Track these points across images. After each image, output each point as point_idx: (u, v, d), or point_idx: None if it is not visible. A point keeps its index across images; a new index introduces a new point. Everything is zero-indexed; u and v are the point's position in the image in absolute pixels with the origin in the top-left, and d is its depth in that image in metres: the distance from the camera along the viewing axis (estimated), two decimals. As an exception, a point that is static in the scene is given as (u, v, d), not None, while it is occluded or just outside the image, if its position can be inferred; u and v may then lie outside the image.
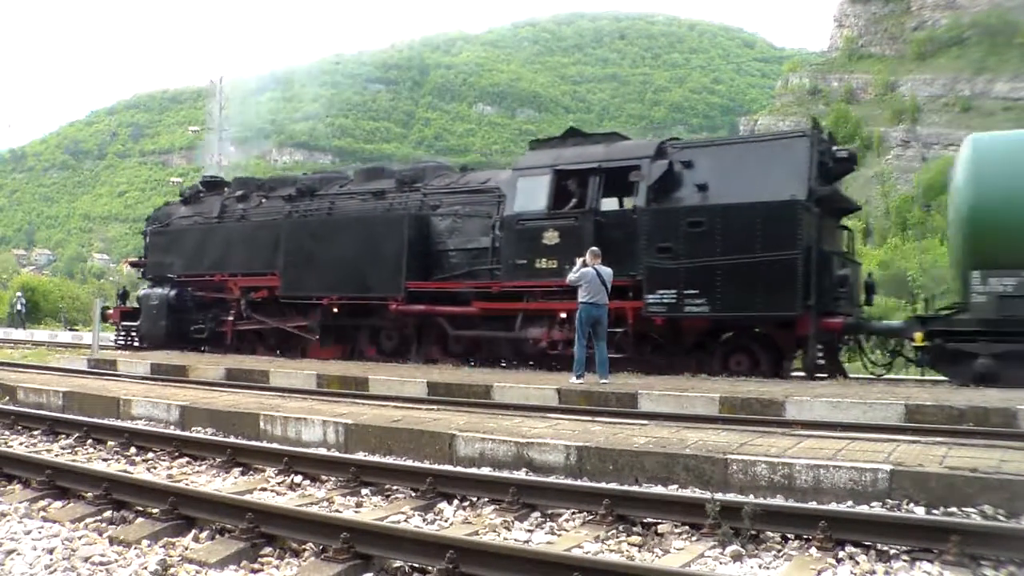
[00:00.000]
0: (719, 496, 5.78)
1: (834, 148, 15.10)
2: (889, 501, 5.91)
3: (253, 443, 8.43)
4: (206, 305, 21.29)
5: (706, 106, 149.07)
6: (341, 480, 7.00)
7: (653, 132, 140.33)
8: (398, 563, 4.81)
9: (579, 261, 13.35)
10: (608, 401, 11.62)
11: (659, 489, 6.41)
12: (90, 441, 9.07)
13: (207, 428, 9.70)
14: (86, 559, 4.94)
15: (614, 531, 5.56)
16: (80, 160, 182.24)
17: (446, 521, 5.96)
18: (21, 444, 9.09)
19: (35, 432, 9.67)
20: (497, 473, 6.96)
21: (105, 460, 8.16)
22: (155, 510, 5.83)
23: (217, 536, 5.43)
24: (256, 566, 4.98)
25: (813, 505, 5.76)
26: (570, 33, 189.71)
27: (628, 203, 15.93)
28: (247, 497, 6.10)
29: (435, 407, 10.67)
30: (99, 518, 5.92)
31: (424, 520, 5.97)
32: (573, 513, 5.95)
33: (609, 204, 16.04)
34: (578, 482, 6.62)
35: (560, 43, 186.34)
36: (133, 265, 25.62)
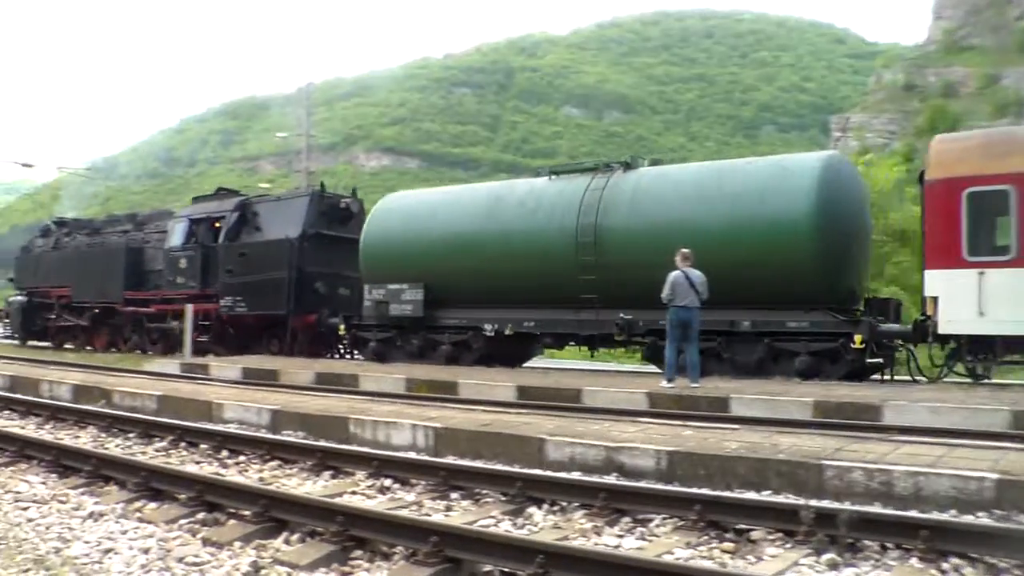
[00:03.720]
0: (814, 502, 5.64)
1: (343, 201, 22.86)
2: (996, 512, 5.68)
3: (343, 446, 8.50)
4: (44, 307, 29.62)
5: (796, 105, 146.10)
6: (431, 484, 7.02)
7: (742, 132, 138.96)
8: (487, 567, 4.80)
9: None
10: (699, 405, 11.48)
11: (751, 495, 6.29)
12: (183, 444, 9.25)
13: (298, 432, 9.83)
14: (180, 559, 5.06)
15: (706, 537, 5.47)
16: (171, 167, 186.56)
17: (536, 526, 5.94)
18: (117, 446, 9.33)
19: (130, 435, 9.91)
20: (587, 478, 6.91)
21: (198, 463, 8.33)
22: (247, 512, 5.93)
23: (308, 539, 5.50)
24: (346, 569, 5.02)
25: (914, 514, 5.55)
26: (656, 33, 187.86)
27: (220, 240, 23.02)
28: (337, 500, 6.16)
29: (524, 411, 10.66)
30: (192, 519, 6.04)
31: (514, 524, 5.96)
32: (664, 518, 5.87)
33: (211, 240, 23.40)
34: (669, 487, 6.52)
35: (646, 43, 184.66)
36: (10, 280, 33.73)
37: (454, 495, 6.79)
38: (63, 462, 7.87)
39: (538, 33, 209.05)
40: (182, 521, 6.01)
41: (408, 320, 18.87)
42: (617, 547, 5.34)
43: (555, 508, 6.32)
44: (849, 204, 15.01)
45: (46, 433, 10.16)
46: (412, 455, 8.11)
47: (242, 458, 8.43)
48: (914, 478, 6.00)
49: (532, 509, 6.29)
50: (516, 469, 7.25)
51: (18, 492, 6.93)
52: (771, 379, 14.17)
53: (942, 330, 13.23)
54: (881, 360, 14.85)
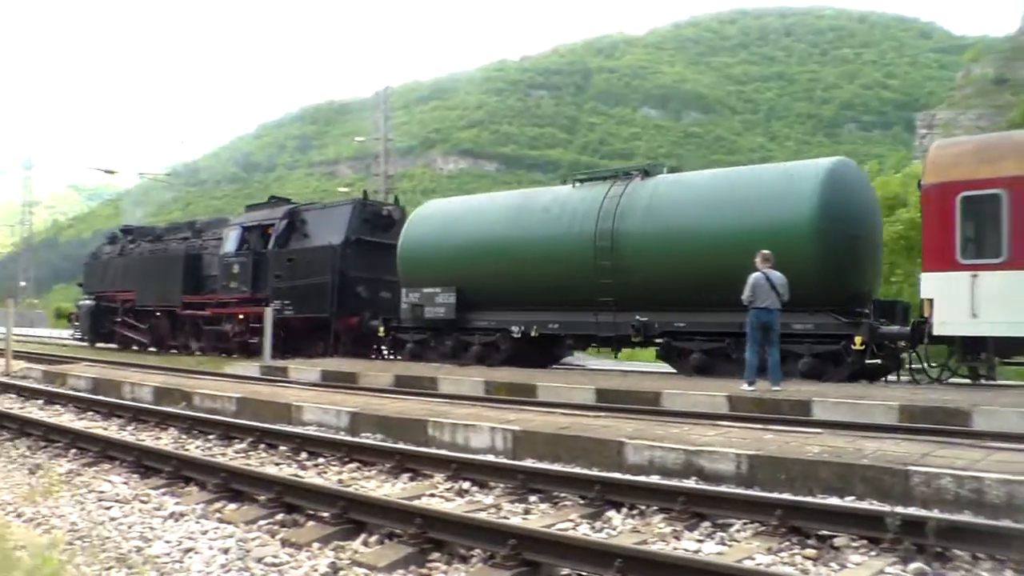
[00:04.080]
0: (900, 509, 5.51)
1: (385, 208, 24.11)
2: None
3: (422, 449, 8.53)
4: (111, 311, 31.26)
5: (879, 102, 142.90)
6: (509, 487, 7.02)
7: (823, 131, 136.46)
8: (565, 571, 4.79)
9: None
10: (780, 409, 11.31)
11: (834, 500, 6.16)
12: (263, 446, 9.37)
13: (376, 434, 9.89)
14: (259, 560, 5.14)
15: (787, 543, 5.39)
16: (250, 172, 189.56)
17: (614, 529, 5.91)
18: (197, 448, 9.50)
19: (210, 436, 10.08)
20: (666, 481, 6.85)
21: (277, 464, 8.44)
22: (325, 514, 6.01)
23: (386, 540, 5.55)
24: (424, 571, 5.06)
25: (1008, 523, 5.37)
26: (734, 32, 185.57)
27: (270, 246, 24.28)
28: (416, 502, 6.20)
29: (603, 414, 10.61)
30: (271, 520, 6.14)
31: (592, 528, 5.93)
32: (744, 523, 5.79)
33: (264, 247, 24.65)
34: (750, 492, 6.43)
35: (724, 42, 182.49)
36: (79, 285, 35.85)
37: (532, 498, 6.79)
38: (145, 463, 8.05)
39: (615, 33, 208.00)
40: (261, 522, 6.10)
41: (441, 322, 19.82)
42: (697, 552, 5.29)
43: (634, 512, 6.27)
44: (854, 208, 15.31)
45: (128, 434, 10.39)
46: (490, 458, 8.12)
47: (321, 460, 8.51)
48: (1007, 486, 5.81)
49: (611, 512, 6.26)
50: (595, 472, 7.21)
51: (101, 492, 7.10)
52: (856, 383, 13.92)
53: (937, 331, 13.47)
54: (879, 361, 15.07)
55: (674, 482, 6.81)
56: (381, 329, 21.25)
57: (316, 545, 5.47)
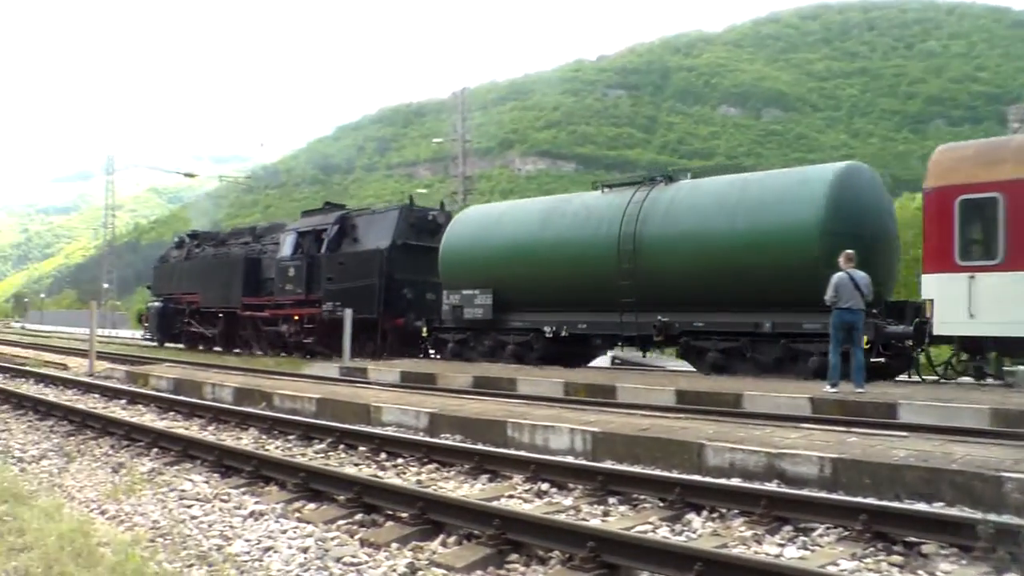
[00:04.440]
0: (993, 517, 5.34)
1: (431, 213, 24.78)
2: None
3: (500, 450, 8.54)
4: (178, 312, 32.91)
5: (968, 96, 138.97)
6: (588, 488, 7.00)
7: (909, 127, 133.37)
8: (644, 574, 4.76)
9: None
10: (864, 411, 11.09)
11: (922, 506, 6.00)
12: (342, 446, 9.45)
13: (455, 435, 9.93)
14: (338, 559, 5.19)
15: (872, 549, 5.26)
16: (329, 174, 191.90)
17: (694, 532, 5.85)
18: (277, 448, 9.63)
19: (290, 436, 10.21)
20: (747, 484, 6.75)
21: (356, 465, 8.51)
22: (404, 514, 6.05)
23: (464, 541, 5.57)
24: (502, 572, 5.06)
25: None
26: (815, 27, 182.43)
27: (322, 250, 25.46)
28: (494, 503, 6.21)
29: (683, 415, 10.53)
30: (350, 520, 6.19)
31: (672, 531, 5.88)
32: (828, 528, 5.68)
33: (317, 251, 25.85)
34: (833, 496, 6.30)
35: (805, 38, 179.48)
36: (147, 288, 38.63)
37: (611, 500, 6.76)
38: (225, 462, 8.18)
39: (693, 31, 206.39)
40: (340, 522, 6.16)
41: (479, 322, 20.79)
42: (778, 556, 5.20)
43: (714, 515, 6.20)
44: (864, 212, 15.75)
45: (209, 434, 10.57)
46: (569, 459, 8.09)
47: (400, 460, 8.57)
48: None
49: (691, 515, 6.20)
50: (674, 474, 7.14)
51: (183, 490, 7.24)
52: (944, 384, 13.62)
53: (936, 331, 13.93)
54: (883, 360, 15.35)
55: (755, 485, 6.71)
56: (425, 329, 22.24)
57: (394, 545, 5.51)
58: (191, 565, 5.06)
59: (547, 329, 19.41)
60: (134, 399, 14.14)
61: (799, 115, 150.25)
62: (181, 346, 32.82)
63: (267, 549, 5.43)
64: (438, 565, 5.10)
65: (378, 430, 10.11)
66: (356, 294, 23.32)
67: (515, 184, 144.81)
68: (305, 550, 5.38)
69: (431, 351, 23.08)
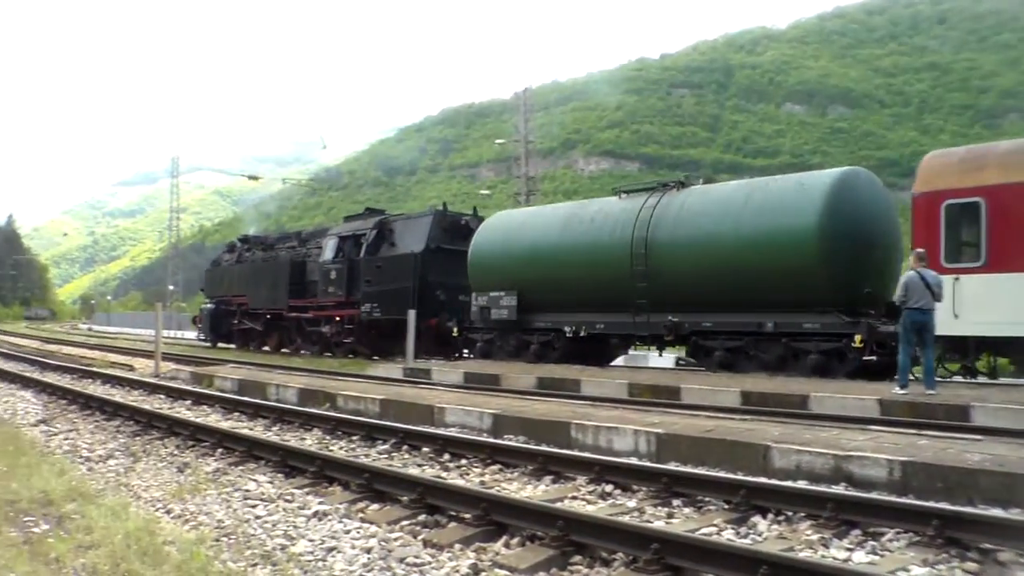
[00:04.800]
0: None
1: (463, 218, 25.71)
2: None
3: (564, 451, 8.51)
4: (229, 313, 34.45)
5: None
6: (652, 490, 6.96)
7: (981, 123, 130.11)
8: (709, 577, 4.70)
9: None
10: (935, 413, 10.87)
11: (997, 512, 5.81)
12: (405, 447, 9.47)
13: (519, 436, 9.92)
14: (401, 560, 5.21)
15: (945, 555, 5.14)
16: (392, 176, 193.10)
17: (760, 535, 5.77)
18: (341, 448, 9.69)
19: (354, 437, 10.26)
20: (814, 487, 6.64)
21: (420, 466, 8.53)
22: (467, 515, 6.06)
23: (527, 543, 5.56)
24: (565, 574, 5.05)
25: None
26: (883, 22, 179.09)
27: (362, 254, 26.59)
28: (558, 504, 6.20)
29: (748, 417, 10.42)
30: (414, 521, 6.21)
31: (737, 533, 5.82)
32: (897, 532, 5.56)
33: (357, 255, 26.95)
34: (903, 499, 6.16)
35: (872, 33, 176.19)
36: (201, 290, 40.73)
37: (676, 502, 6.71)
38: (289, 463, 8.25)
39: (757, 28, 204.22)
40: (404, 522, 6.19)
41: (505, 323, 21.72)
42: (846, 561, 5.12)
43: (780, 518, 6.12)
44: (863, 215, 16.16)
45: (273, 435, 10.65)
46: (634, 461, 8.05)
47: (463, 461, 8.58)
48: None
49: (756, 518, 6.13)
50: (740, 476, 7.07)
51: (247, 490, 7.33)
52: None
53: None
54: (875, 358, 15.73)
55: (822, 488, 6.60)
56: (455, 330, 23.14)
57: (458, 546, 5.52)
58: (255, 564, 5.12)
59: (567, 329, 20.30)
60: (199, 400, 14.34)
61: (866, 112, 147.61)
62: (232, 346, 34.45)
63: (330, 549, 5.47)
64: (501, 566, 5.10)
65: (441, 431, 10.13)
66: (392, 296, 24.55)
67: (578, 184, 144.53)
68: (368, 550, 5.41)
69: (465, 351, 23.86)
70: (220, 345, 35.54)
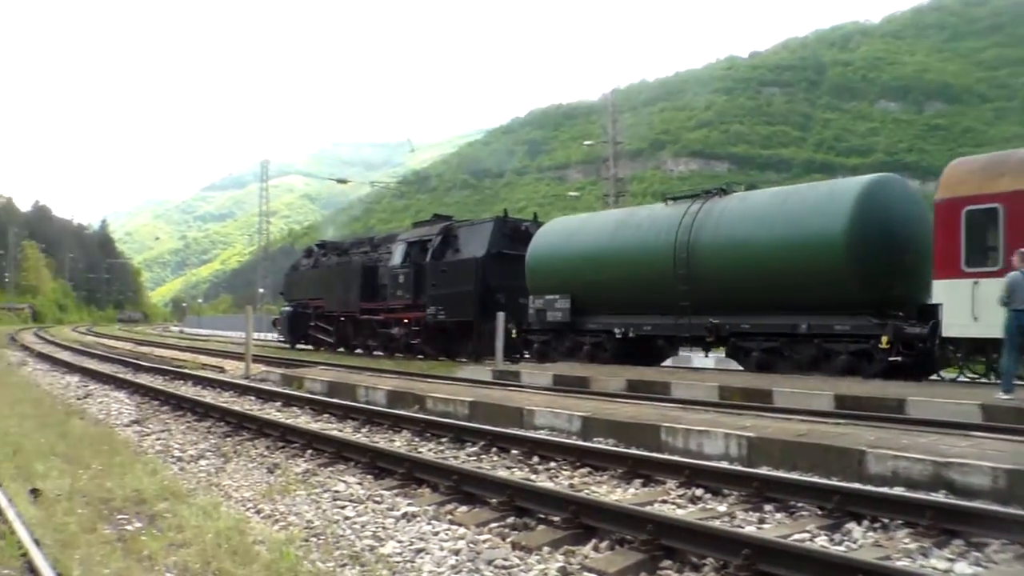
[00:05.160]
0: None
1: (524, 224, 26.58)
2: None
3: (654, 455, 8.43)
4: (306, 316, 35.96)
5: None
6: (743, 495, 6.86)
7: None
8: (802, 585, 4.59)
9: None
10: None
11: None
12: (494, 449, 9.47)
13: (608, 439, 9.84)
14: (489, 562, 5.22)
15: (1056, 568, 4.93)
16: (480, 179, 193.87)
17: (855, 542, 5.64)
18: (430, 450, 9.72)
19: (443, 439, 10.29)
20: (911, 494, 6.46)
21: (508, 468, 8.53)
22: (556, 518, 6.03)
23: (616, 546, 5.51)
24: (654, 579, 4.98)
25: None
26: (984, 14, 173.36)
27: (428, 259, 27.74)
28: (647, 508, 6.14)
29: (842, 421, 10.20)
30: (502, 523, 6.21)
31: (830, 540, 5.69)
32: (1003, 544, 5.35)
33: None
34: (1008, 509, 5.91)
35: (972, 26, 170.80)
36: (280, 294, 42.49)
37: (767, 507, 6.60)
38: (378, 464, 8.31)
39: (849, 23, 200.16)
40: (492, 525, 6.19)
41: (559, 325, 22.59)
42: (947, 572, 4.96)
43: (876, 525, 5.97)
44: (892, 220, 16.62)
45: (362, 436, 10.72)
46: (724, 464, 7.95)
47: (552, 464, 8.56)
48: None
49: (851, 525, 5.98)
50: (833, 482, 6.91)
51: (336, 491, 7.39)
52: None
53: (945, 333, 14.98)
54: (900, 359, 16.05)
55: (920, 495, 6.41)
56: (514, 331, 23.65)
57: (546, 549, 5.50)
58: (344, 565, 5.17)
59: (617, 331, 21.08)
60: (289, 401, 14.50)
61: (965, 107, 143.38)
62: (310, 347, 36.14)
63: (419, 551, 5.50)
64: (590, 570, 5.07)
65: (530, 433, 10.08)
66: (455, 299, 25.86)
67: (667, 185, 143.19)
68: (457, 552, 5.43)
69: (525, 353, 24.62)
70: (299, 346, 37.22)
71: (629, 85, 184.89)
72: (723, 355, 20.92)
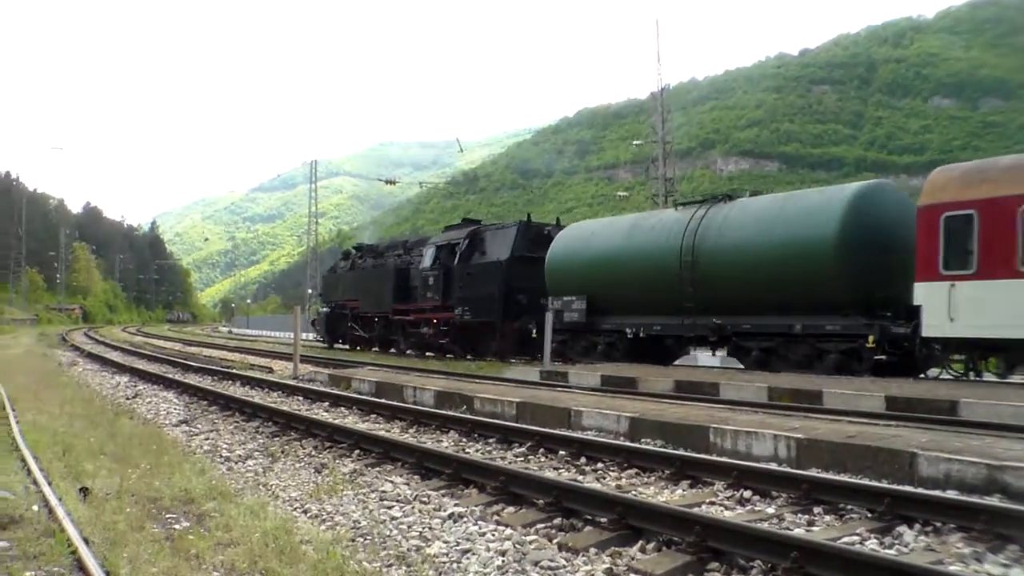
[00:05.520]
0: None
1: (546, 228, 27.25)
2: None
3: (702, 456, 8.38)
4: (343, 317, 37.24)
5: None
6: (792, 497, 6.80)
7: None
8: (852, 589, 4.54)
9: None
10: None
11: None
12: (541, 450, 9.45)
13: (656, 440, 9.80)
14: (536, 563, 5.21)
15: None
16: (528, 179, 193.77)
17: (906, 546, 5.56)
18: (477, 451, 9.72)
19: (490, 440, 10.30)
20: (965, 497, 6.35)
21: (556, 469, 8.50)
22: (603, 519, 6.01)
23: (663, 548, 5.49)
24: (702, 581, 4.96)
25: None
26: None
27: (455, 262, 28.68)
28: (695, 510, 6.09)
29: (893, 423, 10.07)
30: (549, 524, 6.20)
31: (881, 543, 5.62)
32: (1061, 550, 5.25)
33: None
34: (1065, 513, 5.81)
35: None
36: (319, 295, 44.96)
37: (816, 509, 6.53)
38: (426, 464, 8.34)
39: (901, 20, 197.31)
40: (539, 525, 6.18)
41: (576, 325, 23.52)
42: (1003, 577, 4.88)
43: (928, 529, 5.88)
44: (883, 226, 17.26)
45: (410, 436, 10.74)
46: (773, 466, 7.87)
47: (599, 465, 8.53)
48: None
49: (902, 528, 5.91)
50: (884, 484, 6.83)
51: (383, 491, 7.42)
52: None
53: (924, 334, 15.75)
54: (884, 357, 17.12)
55: (974, 499, 6.30)
56: (533, 331, 24.53)
57: (593, 550, 5.49)
58: (390, 565, 5.19)
59: (629, 331, 22.00)
60: (337, 402, 14.58)
61: (1022, 103, 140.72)
62: (346, 346, 37.74)
63: (465, 551, 5.51)
64: (636, 571, 5.06)
65: (578, 434, 10.04)
66: (480, 300, 27.01)
67: (717, 185, 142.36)
68: (503, 553, 5.43)
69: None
70: (336, 346, 38.73)
71: (679, 84, 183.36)
72: (726, 354, 21.41)
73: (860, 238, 17.09)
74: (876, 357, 16.86)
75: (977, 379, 15.88)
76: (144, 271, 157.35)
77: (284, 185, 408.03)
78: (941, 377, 16.47)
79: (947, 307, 15.23)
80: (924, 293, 15.74)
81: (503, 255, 26.76)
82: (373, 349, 34.97)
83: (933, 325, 15.53)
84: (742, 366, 19.87)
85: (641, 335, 21.67)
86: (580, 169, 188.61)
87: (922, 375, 17.09)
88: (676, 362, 22.76)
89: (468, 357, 27.56)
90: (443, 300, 29.00)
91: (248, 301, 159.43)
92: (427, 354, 30.31)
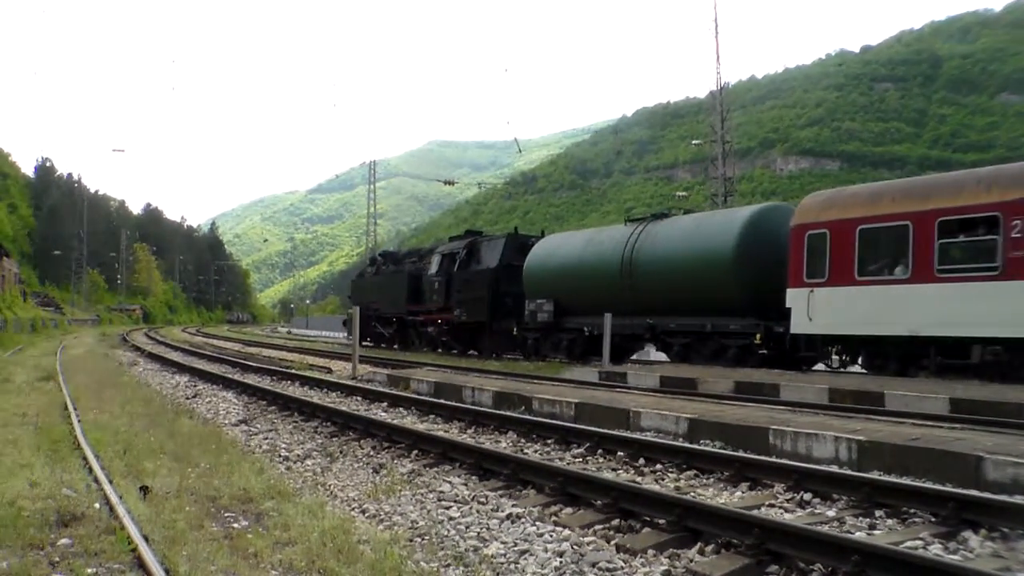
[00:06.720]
0: None
1: (531, 240, 30.13)
2: None
3: (762, 457, 8.28)
4: (369, 318, 38.38)
5: None
6: (853, 500, 6.72)
7: None
8: (916, 594, 4.47)
9: None
10: None
11: None
12: (600, 451, 9.43)
13: (715, 441, 9.74)
14: (593, 564, 5.20)
15: None
16: (587, 179, 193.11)
17: (971, 552, 5.46)
18: (535, 452, 9.71)
19: (548, 441, 10.29)
20: (1033, 502, 6.21)
21: (614, 470, 8.48)
22: (661, 521, 6.00)
23: (722, 550, 5.46)
24: (761, 584, 4.91)
25: None
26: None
27: (455, 269, 32.18)
28: (754, 512, 6.01)
29: (957, 425, 9.89)
30: (607, 526, 6.20)
31: (945, 548, 5.53)
32: None
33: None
34: None
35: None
36: (348, 298, 46.83)
37: (878, 512, 6.44)
38: (484, 465, 8.34)
39: (966, 14, 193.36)
40: (597, 527, 6.17)
41: (546, 324, 27.00)
42: (1071, 583, 4.77)
43: (994, 534, 5.77)
44: (774, 241, 19.74)
45: (468, 437, 10.74)
46: (834, 468, 7.76)
47: (658, 466, 8.50)
48: None
49: (967, 533, 5.80)
50: (948, 488, 6.69)
51: (441, 492, 7.42)
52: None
53: (792, 331, 18.68)
54: (765, 352, 19.97)
55: (1043, 503, 6.16)
56: (514, 329, 28.44)
57: (651, 552, 5.47)
58: (448, 565, 5.20)
59: (586, 330, 25.42)
60: (395, 402, 14.59)
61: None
62: (371, 344, 40.58)
63: (523, 552, 5.50)
64: (695, 573, 5.03)
65: (636, 435, 9.98)
66: (474, 303, 30.71)
67: (776, 185, 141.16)
68: (561, 554, 5.42)
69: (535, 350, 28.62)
70: (363, 344, 41.08)
71: (738, 82, 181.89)
72: (655, 349, 24.04)
73: (753, 252, 20.03)
74: (760, 352, 19.94)
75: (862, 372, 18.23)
76: (203, 272, 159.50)
77: (343, 186, 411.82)
78: (814, 369, 19.51)
79: (807, 309, 18.25)
80: (793, 297, 18.60)
81: (492, 263, 30.41)
82: (394, 346, 38.55)
83: (798, 324, 18.46)
84: (669, 360, 22.52)
85: (595, 333, 24.22)
86: (639, 169, 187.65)
87: (805, 367, 19.53)
88: (632, 356, 24.54)
89: (471, 352, 31.92)
90: (445, 302, 32.73)
91: (307, 302, 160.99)
92: (438, 350, 34.08)
